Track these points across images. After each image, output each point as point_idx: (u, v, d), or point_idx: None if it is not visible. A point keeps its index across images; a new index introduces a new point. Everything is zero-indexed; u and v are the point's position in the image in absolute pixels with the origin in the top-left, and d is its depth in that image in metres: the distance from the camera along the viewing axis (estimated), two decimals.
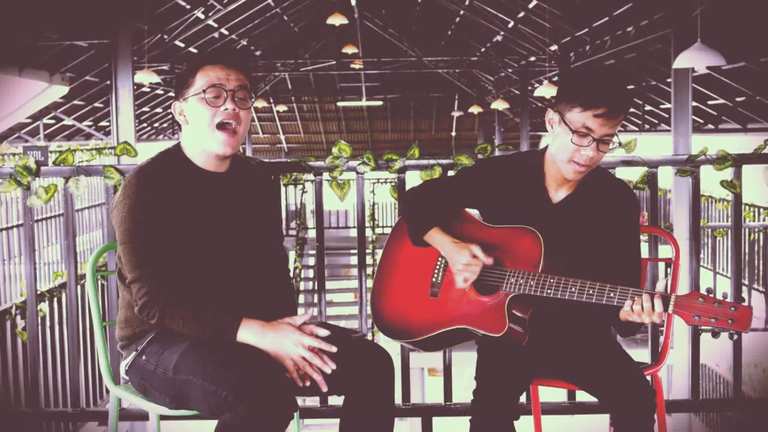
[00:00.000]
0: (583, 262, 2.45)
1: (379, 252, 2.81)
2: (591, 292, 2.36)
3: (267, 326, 2.29)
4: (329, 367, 2.27)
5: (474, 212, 2.73)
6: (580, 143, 2.43)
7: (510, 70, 18.90)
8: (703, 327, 2.29)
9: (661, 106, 15.70)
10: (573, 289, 2.38)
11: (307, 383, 2.32)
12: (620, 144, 2.64)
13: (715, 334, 2.46)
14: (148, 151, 2.50)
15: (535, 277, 2.44)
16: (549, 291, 2.41)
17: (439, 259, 2.63)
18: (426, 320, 2.59)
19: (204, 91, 2.37)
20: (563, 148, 2.47)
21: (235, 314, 2.30)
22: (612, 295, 2.35)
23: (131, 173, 2.39)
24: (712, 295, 2.27)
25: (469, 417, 2.43)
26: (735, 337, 3.23)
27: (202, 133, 2.39)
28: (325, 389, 2.31)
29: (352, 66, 20.42)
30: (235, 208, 2.47)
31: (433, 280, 2.63)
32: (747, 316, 2.22)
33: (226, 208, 2.45)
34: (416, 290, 2.65)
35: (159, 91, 18.89)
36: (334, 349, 2.29)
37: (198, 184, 2.42)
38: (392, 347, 2.83)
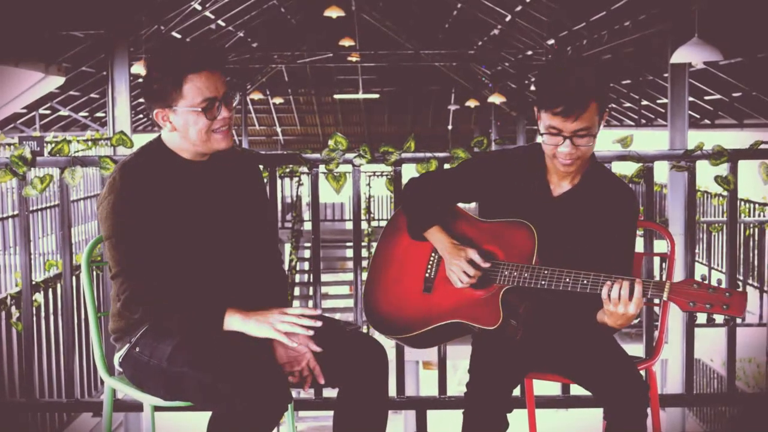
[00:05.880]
0: (577, 256, 2.44)
1: (375, 245, 2.79)
2: (585, 282, 2.35)
3: (251, 312, 2.29)
4: (316, 323, 2.28)
5: (469, 205, 2.72)
6: (553, 143, 2.42)
7: (507, 64, 18.86)
8: (698, 313, 2.28)
9: (658, 101, 15.67)
10: (567, 280, 2.36)
11: (307, 388, 2.32)
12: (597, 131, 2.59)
13: (711, 321, 2.46)
14: (145, 141, 2.49)
15: (528, 269, 2.43)
16: (543, 282, 2.40)
17: (433, 254, 2.62)
18: (419, 315, 2.57)
19: (202, 107, 2.33)
20: (544, 146, 2.47)
21: (218, 308, 2.30)
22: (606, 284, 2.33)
23: (114, 169, 2.37)
24: (706, 282, 2.26)
25: (462, 409, 2.43)
26: (731, 322, 3.23)
27: (197, 139, 2.37)
28: (322, 381, 2.32)
29: (349, 59, 20.35)
30: (218, 194, 2.45)
31: (427, 275, 2.61)
32: (742, 301, 2.21)
33: (210, 195, 2.43)
34: (409, 286, 2.62)
35: None
36: (318, 311, 2.31)
37: (181, 173, 2.40)
38: (387, 340, 2.83)
